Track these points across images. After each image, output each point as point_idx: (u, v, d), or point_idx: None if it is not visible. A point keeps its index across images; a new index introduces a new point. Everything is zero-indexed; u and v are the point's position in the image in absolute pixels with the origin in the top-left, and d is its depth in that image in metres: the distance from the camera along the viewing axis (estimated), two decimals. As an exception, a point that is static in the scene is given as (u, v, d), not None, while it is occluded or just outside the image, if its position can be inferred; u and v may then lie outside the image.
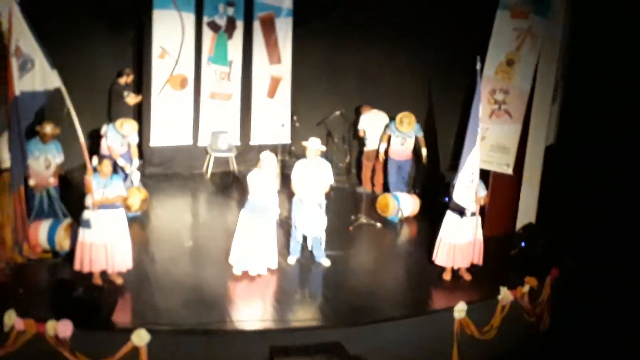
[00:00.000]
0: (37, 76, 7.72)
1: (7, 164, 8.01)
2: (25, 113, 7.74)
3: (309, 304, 8.14)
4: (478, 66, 8.19)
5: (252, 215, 8.21)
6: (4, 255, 8.14)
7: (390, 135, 10.91)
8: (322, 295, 8.35)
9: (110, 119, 10.73)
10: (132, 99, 11.05)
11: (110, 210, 7.86)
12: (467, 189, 8.27)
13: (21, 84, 7.62)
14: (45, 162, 8.85)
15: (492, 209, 9.59)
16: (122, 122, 9.88)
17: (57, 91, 7.80)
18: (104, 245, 7.80)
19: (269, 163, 8.20)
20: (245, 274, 8.38)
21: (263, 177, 8.19)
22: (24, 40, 7.54)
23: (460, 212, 8.41)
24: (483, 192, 8.62)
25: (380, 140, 11.03)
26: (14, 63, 7.48)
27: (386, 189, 11.21)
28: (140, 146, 10.65)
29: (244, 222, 8.26)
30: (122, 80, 11.02)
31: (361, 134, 11.52)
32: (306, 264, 8.91)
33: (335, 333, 7.36)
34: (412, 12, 11.40)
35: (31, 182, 8.67)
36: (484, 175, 8.95)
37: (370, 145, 11.44)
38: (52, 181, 8.96)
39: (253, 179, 8.20)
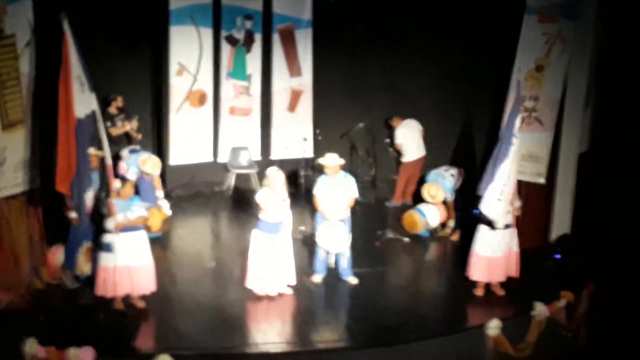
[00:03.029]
0: (86, 98, 7.46)
1: (19, 188, 7.94)
2: (89, 137, 7.49)
3: (336, 324, 7.95)
4: (515, 76, 7.93)
5: (265, 234, 8.08)
6: (23, 281, 8.04)
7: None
8: (349, 314, 8.19)
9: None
10: (115, 129, 10.20)
11: (132, 232, 7.73)
12: (498, 201, 8.07)
13: (81, 108, 7.33)
14: None
15: (525, 220, 9.25)
16: (145, 159, 9.70)
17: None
18: (127, 268, 7.67)
19: (277, 179, 8.06)
20: (268, 295, 8.23)
21: (272, 195, 8.04)
22: (75, 61, 7.30)
23: (490, 224, 8.21)
24: (518, 204, 8.47)
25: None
26: (77, 86, 7.21)
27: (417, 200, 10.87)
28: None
29: (257, 242, 8.12)
30: (112, 108, 10.35)
31: (398, 147, 11.31)
32: (332, 282, 8.71)
33: (364, 354, 7.26)
34: (436, 19, 11.22)
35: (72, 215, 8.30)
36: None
37: (408, 156, 11.24)
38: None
39: (263, 197, 8.06)
